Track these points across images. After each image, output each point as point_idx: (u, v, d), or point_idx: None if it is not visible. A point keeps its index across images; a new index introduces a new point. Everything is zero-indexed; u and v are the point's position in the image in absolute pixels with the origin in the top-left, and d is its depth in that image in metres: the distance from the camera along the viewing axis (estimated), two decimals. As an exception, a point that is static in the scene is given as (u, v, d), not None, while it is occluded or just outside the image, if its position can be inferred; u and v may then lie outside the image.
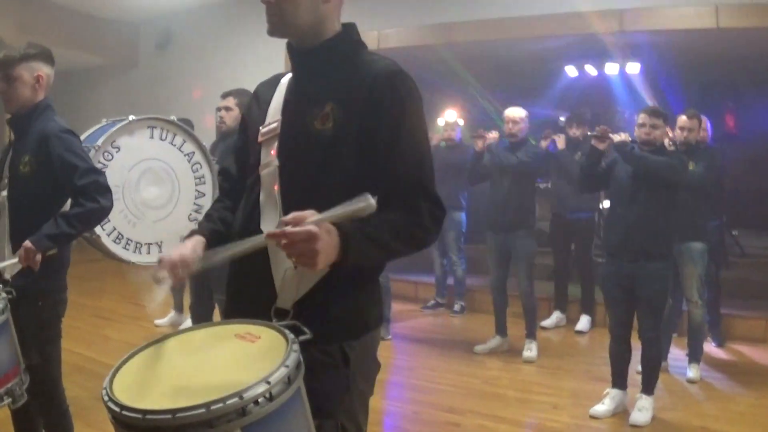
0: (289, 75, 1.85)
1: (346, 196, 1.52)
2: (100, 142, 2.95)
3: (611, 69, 8.39)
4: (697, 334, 4.93)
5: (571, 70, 8.77)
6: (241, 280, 1.78)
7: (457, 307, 7.25)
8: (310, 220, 1.39)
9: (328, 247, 1.42)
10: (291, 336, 1.45)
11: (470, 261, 7.21)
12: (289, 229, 1.39)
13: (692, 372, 4.87)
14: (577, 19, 6.86)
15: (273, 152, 1.74)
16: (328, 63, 1.74)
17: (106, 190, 2.74)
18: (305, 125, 1.69)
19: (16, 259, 2.64)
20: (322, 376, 1.61)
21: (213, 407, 1.22)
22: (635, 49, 7.65)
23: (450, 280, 7.38)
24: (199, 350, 1.52)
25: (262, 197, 1.74)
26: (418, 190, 1.64)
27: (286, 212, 1.58)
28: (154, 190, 3.18)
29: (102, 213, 2.79)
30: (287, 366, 1.34)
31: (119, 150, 3.03)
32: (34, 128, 2.84)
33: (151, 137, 3.16)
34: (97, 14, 10.37)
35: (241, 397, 1.24)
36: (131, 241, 3.10)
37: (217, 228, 1.85)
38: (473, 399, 4.53)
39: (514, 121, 5.47)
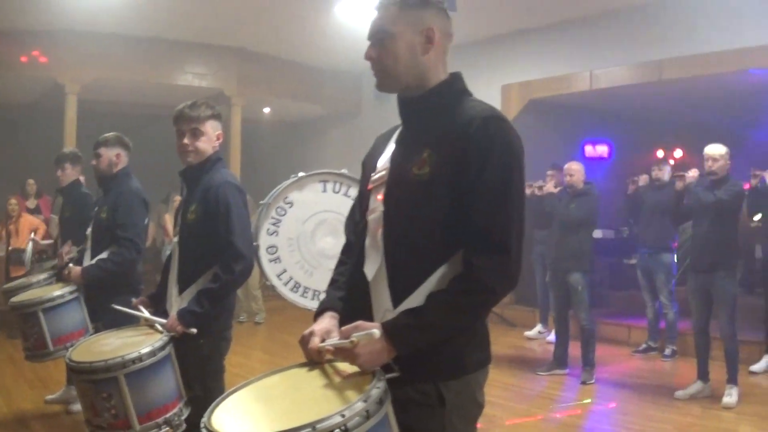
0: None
1: (441, 242, 1.68)
2: (270, 199, 3.26)
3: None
4: None
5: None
6: (347, 321, 1.77)
7: (668, 351, 7.08)
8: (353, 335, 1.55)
9: (368, 353, 1.55)
10: (379, 372, 1.52)
11: (683, 304, 6.94)
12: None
13: None
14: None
15: (379, 198, 1.81)
16: (430, 111, 1.81)
17: (241, 257, 2.84)
18: (406, 171, 1.75)
19: (164, 321, 2.89)
20: (416, 415, 1.66)
21: None
22: None
23: (663, 323, 7.21)
24: (296, 385, 1.60)
25: (367, 242, 1.81)
26: (483, 239, 1.64)
27: (387, 256, 1.74)
28: (330, 240, 3.40)
29: (237, 283, 2.93)
30: (365, 401, 1.37)
31: (292, 205, 3.32)
32: (204, 179, 3.01)
33: (324, 191, 3.41)
34: (319, 66, 10.69)
35: (313, 428, 1.28)
36: (309, 289, 3.40)
37: (343, 295, 1.90)
38: (662, 446, 4.51)
39: (714, 159, 5.38)
